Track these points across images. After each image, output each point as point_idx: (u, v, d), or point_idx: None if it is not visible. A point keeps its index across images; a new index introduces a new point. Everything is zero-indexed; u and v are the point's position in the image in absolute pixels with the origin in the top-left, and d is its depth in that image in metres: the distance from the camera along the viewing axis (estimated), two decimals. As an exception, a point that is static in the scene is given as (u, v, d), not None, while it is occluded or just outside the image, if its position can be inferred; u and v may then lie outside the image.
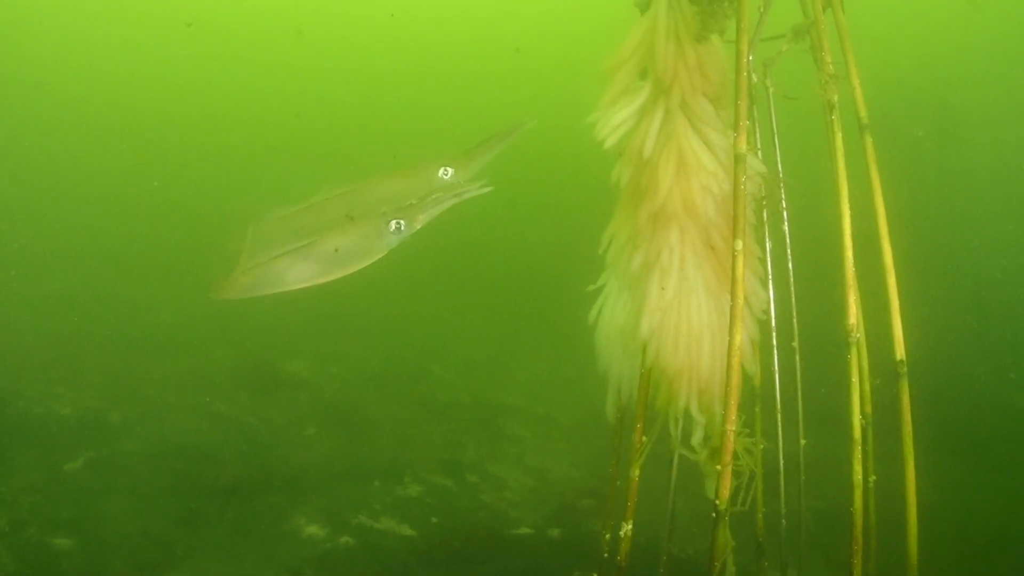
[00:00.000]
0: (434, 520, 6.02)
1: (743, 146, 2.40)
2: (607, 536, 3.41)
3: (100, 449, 6.59)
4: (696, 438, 2.79)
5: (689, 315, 2.65)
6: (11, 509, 5.60)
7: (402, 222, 2.66)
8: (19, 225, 14.16)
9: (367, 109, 28.28)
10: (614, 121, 2.68)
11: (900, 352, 2.71)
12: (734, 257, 2.36)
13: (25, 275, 11.72)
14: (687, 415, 2.80)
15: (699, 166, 2.57)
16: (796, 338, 2.95)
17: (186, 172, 20.09)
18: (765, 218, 2.84)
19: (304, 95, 28.53)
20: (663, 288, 2.64)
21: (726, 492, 2.40)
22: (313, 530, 5.68)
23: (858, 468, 2.60)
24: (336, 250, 2.68)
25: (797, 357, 2.99)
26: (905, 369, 2.72)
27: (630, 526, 2.93)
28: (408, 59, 31.65)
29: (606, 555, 3.42)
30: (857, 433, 2.59)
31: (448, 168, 2.79)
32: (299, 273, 2.72)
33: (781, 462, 2.96)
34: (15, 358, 8.40)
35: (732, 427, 2.35)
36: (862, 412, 2.69)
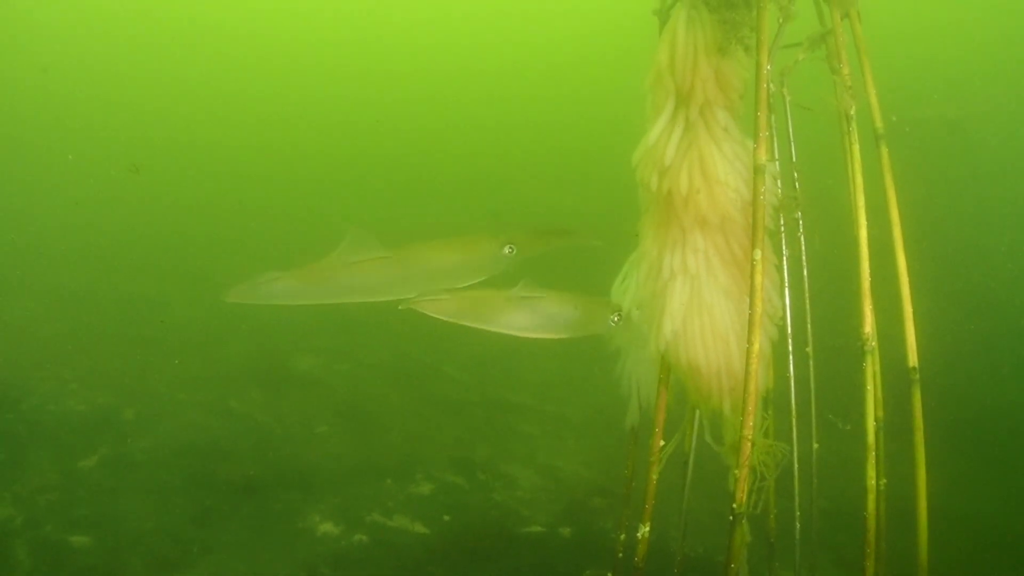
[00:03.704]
0: (446, 518, 6.07)
1: (763, 157, 2.43)
2: (622, 537, 3.46)
3: (114, 446, 6.63)
4: (728, 436, 2.83)
5: (715, 318, 2.69)
6: (27, 507, 5.64)
7: (620, 319, 2.83)
8: (32, 223, 14.25)
9: (385, 109, 28.29)
10: (651, 135, 2.72)
11: (913, 359, 2.74)
12: (752, 266, 2.40)
13: (38, 273, 11.79)
14: (714, 414, 2.84)
15: (718, 176, 2.61)
16: (810, 344, 2.99)
17: (199, 172, 20.14)
18: (782, 226, 2.88)
19: (320, 95, 28.59)
20: (688, 292, 2.68)
21: (743, 494, 2.45)
22: (327, 528, 5.73)
23: (872, 473, 2.64)
24: (560, 315, 2.89)
25: (811, 363, 3.03)
26: (918, 376, 2.75)
27: (647, 528, 2.97)
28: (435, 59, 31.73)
29: (620, 555, 3.46)
30: (871, 439, 2.63)
31: (512, 246, 2.92)
32: (515, 321, 2.89)
33: (796, 464, 3.01)
34: (29, 356, 8.46)
35: (750, 432, 2.39)
36: (875, 417, 2.73)
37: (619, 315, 2.99)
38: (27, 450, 6.44)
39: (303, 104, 27.96)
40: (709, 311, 2.70)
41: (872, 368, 2.61)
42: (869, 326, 2.55)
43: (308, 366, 9.39)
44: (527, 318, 3.01)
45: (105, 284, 11.74)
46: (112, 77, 27.20)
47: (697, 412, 3.05)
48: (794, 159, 2.92)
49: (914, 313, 2.75)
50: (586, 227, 3.10)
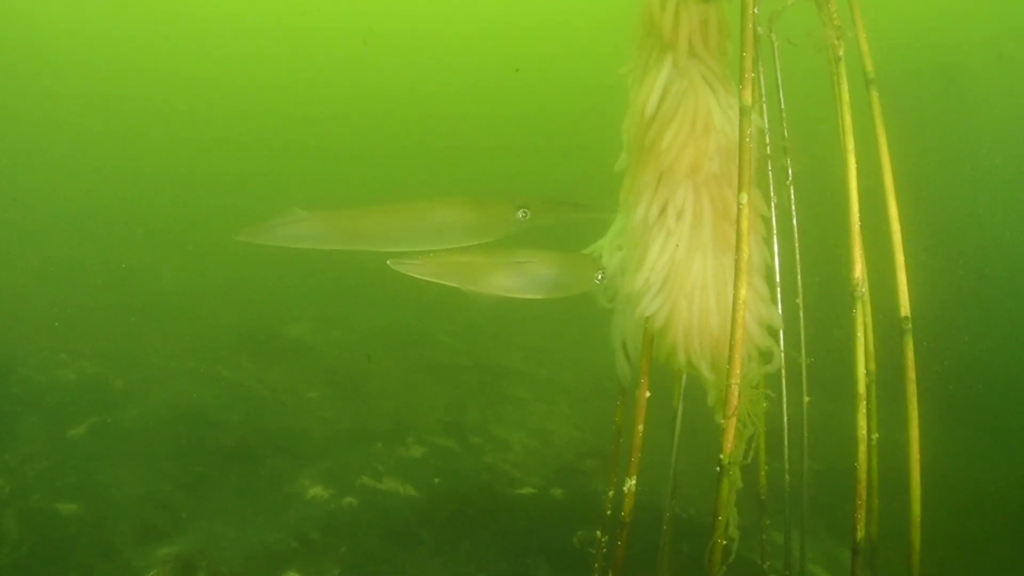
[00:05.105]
0: (437, 481, 6.05)
1: (748, 98, 2.36)
2: (610, 493, 3.42)
3: (104, 415, 6.60)
4: (709, 398, 2.78)
5: (694, 273, 2.63)
6: (16, 476, 5.61)
7: (604, 277, 2.88)
8: (21, 194, 14.15)
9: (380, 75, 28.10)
10: (638, 88, 2.65)
11: (905, 308, 2.69)
12: (738, 210, 2.33)
13: (27, 243, 11.74)
14: (687, 371, 2.79)
15: (710, 124, 2.54)
16: (800, 295, 2.93)
17: (185, 140, 20.02)
18: (770, 173, 2.82)
19: (312, 61, 28.40)
20: (670, 245, 2.62)
21: (730, 446, 2.40)
22: (317, 491, 5.71)
23: (862, 424, 2.59)
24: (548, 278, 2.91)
25: (801, 314, 2.97)
26: (910, 325, 2.70)
27: (634, 481, 2.93)
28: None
29: (609, 512, 3.43)
30: (861, 388, 2.58)
31: (527, 211, 2.93)
32: (499, 282, 2.92)
33: (785, 419, 2.96)
34: (18, 326, 8.42)
35: (736, 381, 2.34)
36: (866, 369, 2.67)
37: (603, 272, 2.94)
38: (16, 420, 6.41)
39: (295, 72, 27.79)
40: (686, 265, 2.63)
41: (862, 316, 2.55)
42: (859, 271, 2.49)
43: (299, 333, 9.36)
44: (511, 279, 2.97)
45: (94, 255, 11.69)
46: (101, 50, 26.97)
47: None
48: (782, 103, 2.85)
49: (906, 268, 2.69)
50: (600, 201, 3.06)
